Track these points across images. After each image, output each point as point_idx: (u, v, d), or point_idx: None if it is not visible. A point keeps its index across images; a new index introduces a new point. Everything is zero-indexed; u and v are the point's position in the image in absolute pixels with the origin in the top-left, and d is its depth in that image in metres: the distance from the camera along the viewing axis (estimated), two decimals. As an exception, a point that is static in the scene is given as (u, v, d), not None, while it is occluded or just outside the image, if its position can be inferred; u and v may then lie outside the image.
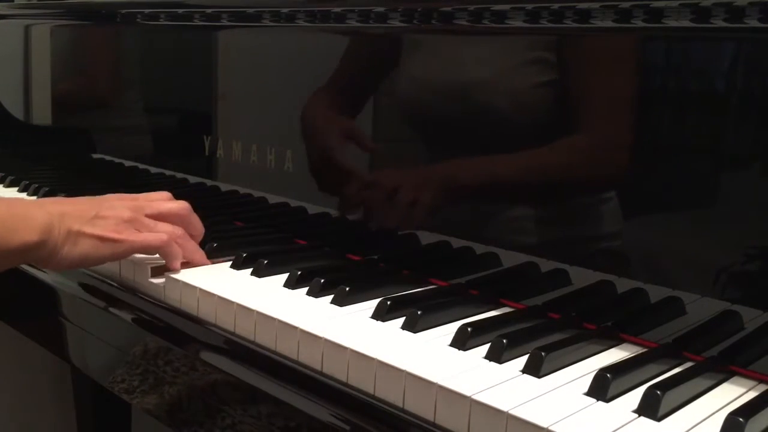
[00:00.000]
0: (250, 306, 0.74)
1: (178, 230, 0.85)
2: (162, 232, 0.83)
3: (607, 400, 0.59)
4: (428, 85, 0.89)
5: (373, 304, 0.75)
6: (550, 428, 0.54)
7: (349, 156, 0.96)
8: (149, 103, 1.30)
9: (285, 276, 0.83)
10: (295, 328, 0.70)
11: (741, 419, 0.54)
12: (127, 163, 1.30)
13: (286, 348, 0.71)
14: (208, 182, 1.14)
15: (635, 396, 0.58)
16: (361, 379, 0.65)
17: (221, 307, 0.77)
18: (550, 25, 0.76)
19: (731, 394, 0.62)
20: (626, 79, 0.74)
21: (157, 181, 1.23)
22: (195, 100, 1.18)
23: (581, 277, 0.77)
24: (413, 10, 0.86)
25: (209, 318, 0.78)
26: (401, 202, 0.89)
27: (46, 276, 0.98)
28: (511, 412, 0.56)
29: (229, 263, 0.89)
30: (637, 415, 0.57)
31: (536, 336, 0.68)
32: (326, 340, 0.67)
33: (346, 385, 0.66)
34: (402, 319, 0.72)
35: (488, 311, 0.77)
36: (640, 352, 0.68)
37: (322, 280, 0.80)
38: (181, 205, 0.88)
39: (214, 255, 0.89)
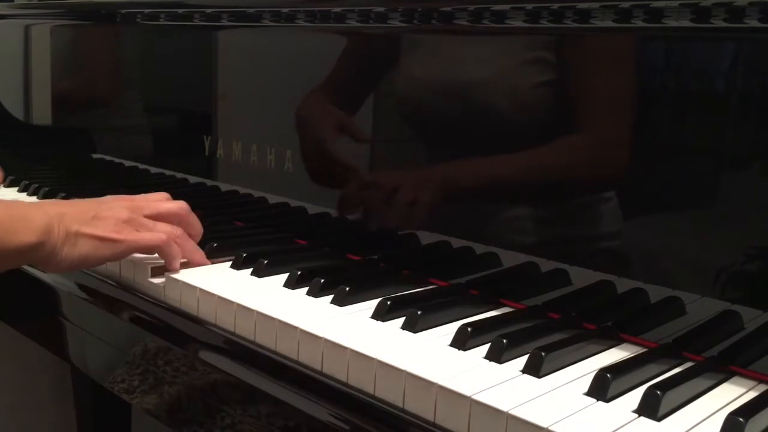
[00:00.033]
0: (250, 306, 0.74)
1: (177, 230, 0.85)
2: (161, 232, 0.83)
3: (607, 400, 0.59)
4: (428, 85, 0.89)
5: (373, 304, 0.75)
6: (550, 428, 0.54)
7: (343, 149, 0.96)
8: (149, 103, 1.30)
9: (285, 276, 0.83)
10: (295, 328, 0.70)
11: (741, 419, 0.54)
12: (127, 163, 1.30)
13: (286, 348, 0.71)
14: (208, 182, 1.14)
15: (635, 396, 0.58)
16: (361, 379, 0.65)
17: (221, 307, 0.77)
18: (550, 25, 0.76)
19: (731, 394, 0.62)
20: (626, 79, 0.74)
21: (157, 181, 1.23)
22: (195, 100, 1.18)
23: (581, 277, 0.77)
24: (413, 10, 0.86)
25: (209, 318, 0.78)
26: (401, 202, 0.89)
27: (46, 276, 0.98)
28: (511, 412, 0.56)
29: (229, 263, 0.89)
30: (637, 415, 0.57)
31: (536, 336, 0.68)
32: (326, 340, 0.67)
33: (346, 385, 0.66)
34: (402, 319, 0.72)
35: (488, 311, 0.77)
36: (640, 352, 0.68)
37: (322, 280, 0.80)
38: (180, 205, 0.88)
39: (214, 255, 0.89)
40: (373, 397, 0.63)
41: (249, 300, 0.75)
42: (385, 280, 0.84)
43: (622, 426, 0.55)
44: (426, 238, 0.88)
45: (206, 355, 0.77)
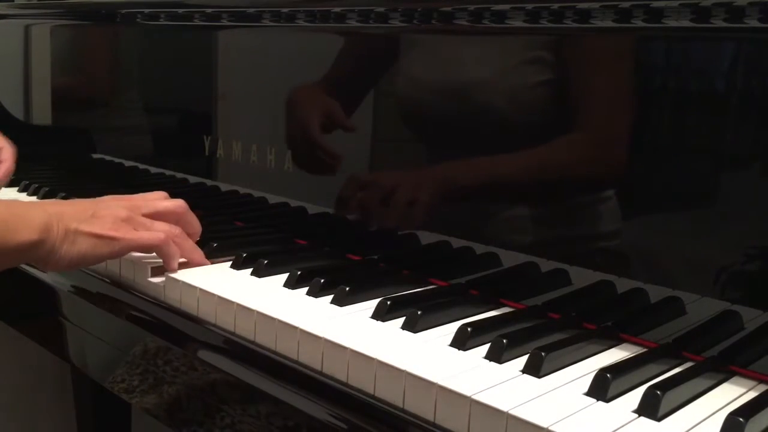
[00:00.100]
0: (250, 306, 0.74)
1: (175, 229, 0.85)
2: (159, 232, 0.83)
3: (607, 400, 0.59)
4: (429, 85, 0.89)
5: (373, 304, 0.75)
6: (550, 428, 0.54)
7: (328, 136, 0.97)
8: (149, 103, 1.30)
9: (285, 276, 0.83)
10: (295, 328, 0.70)
11: (741, 419, 0.54)
12: (127, 163, 1.30)
13: (286, 348, 0.71)
14: (208, 182, 1.14)
15: (635, 396, 0.58)
16: (361, 379, 0.65)
17: (221, 307, 0.77)
18: (550, 25, 0.76)
19: (731, 394, 0.62)
20: (626, 79, 0.74)
21: (157, 181, 1.23)
22: (195, 100, 1.18)
23: (581, 277, 0.77)
24: (413, 10, 0.86)
25: (209, 318, 0.78)
26: (401, 202, 0.89)
27: (46, 276, 0.98)
28: (511, 412, 0.56)
29: (229, 263, 0.89)
30: (637, 415, 0.57)
31: (536, 336, 0.68)
32: (326, 340, 0.67)
33: (346, 385, 0.66)
34: (402, 319, 0.72)
35: (488, 311, 0.77)
36: (640, 352, 0.68)
37: (322, 280, 0.80)
38: (178, 204, 0.88)
39: (214, 255, 0.89)
40: (373, 397, 0.63)
41: (249, 300, 0.75)
42: (385, 280, 0.84)
43: (622, 426, 0.55)
44: (426, 238, 0.88)
45: (206, 355, 0.77)
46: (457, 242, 0.86)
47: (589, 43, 0.76)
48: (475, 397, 0.58)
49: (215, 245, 0.91)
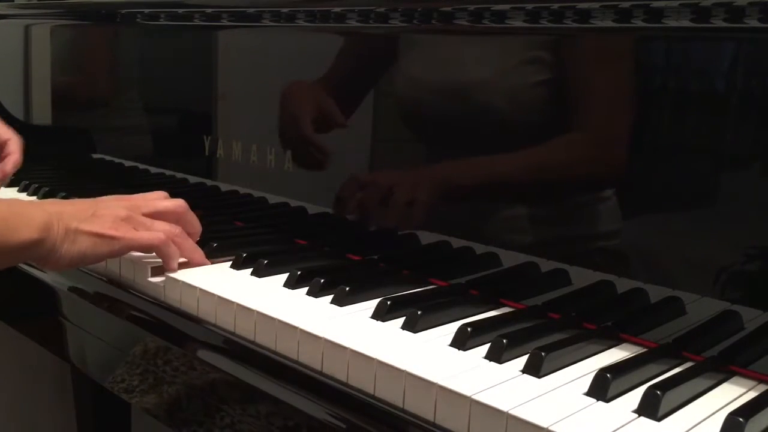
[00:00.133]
0: (250, 306, 0.74)
1: (175, 228, 0.85)
2: (159, 232, 0.84)
3: (607, 400, 0.59)
4: (429, 85, 0.89)
5: (373, 304, 0.75)
6: (550, 428, 0.54)
7: (323, 136, 0.98)
8: (149, 103, 1.30)
9: (285, 276, 0.83)
10: (295, 328, 0.70)
11: (741, 419, 0.54)
12: (127, 163, 1.30)
13: (286, 348, 0.71)
14: (208, 182, 1.14)
15: (635, 396, 0.58)
16: (361, 379, 0.65)
17: (221, 307, 0.77)
18: (550, 25, 0.76)
19: (731, 394, 0.62)
20: (626, 79, 0.74)
21: (157, 181, 1.23)
22: (195, 100, 1.18)
23: (581, 277, 0.77)
24: (413, 10, 0.86)
25: (209, 318, 0.78)
26: (401, 202, 0.89)
27: (46, 276, 0.98)
28: (511, 412, 0.56)
29: (229, 263, 0.89)
30: (637, 415, 0.57)
31: (536, 336, 0.68)
32: (326, 340, 0.67)
33: (346, 385, 0.66)
34: (402, 319, 0.72)
35: (488, 311, 0.77)
36: (640, 352, 0.68)
37: (322, 280, 0.80)
38: (178, 203, 0.88)
39: (214, 255, 0.89)
40: (373, 397, 0.63)
41: (249, 300, 0.75)
42: (385, 280, 0.84)
43: (622, 426, 0.55)
44: (426, 238, 0.88)
45: (206, 355, 0.77)
46: (457, 242, 0.86)
47: (589, 43, 0.76)
48: (475, 397, 0.58)
49: (215, 245, 0.91)
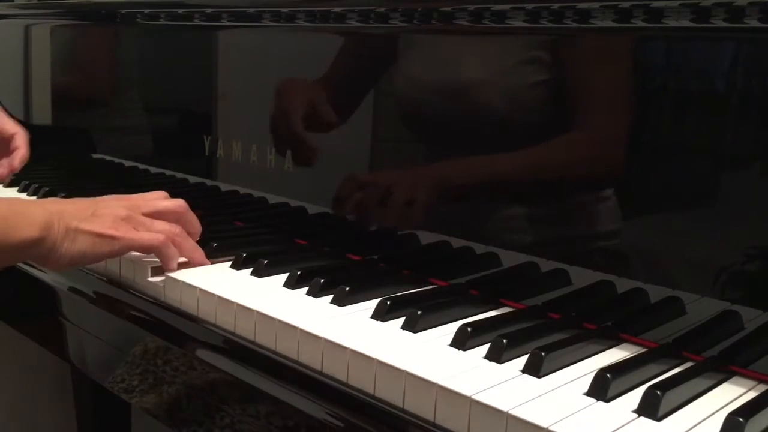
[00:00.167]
0: (250, 306, 0.74)
1: (175, 228, 0.85)
2: (159, 233, 0.84)
3: (607, 400, 0.59)
4: (430, 85, 0.89)
5: (373, 304, 0.75)
6: (550, 428, 0.54)
7: (305, 125, 0.99)
8: (149, 103, 1.30)
9: (285, 276, 0.83)
10: (295, 328, 0.70)
11: (741, 419, 0.54)
12: (127, 163, 1.30)
13: (286, 348, 0.71)
14: (208, 182, 1.14)
15: (635, 396, 0.58)
16: (361, 379, 0.65)
17: (221, 307, 0.77)
18: (550, 25, 0.76)
19: (731, 394, 0.62)
20: (627, 79, 0.74)
21: (157, 181, 1.23)
22: (195, 100, 1.18)
23: (581, 277, 0.77)
24: (413, 10, 0.86)
25: (209, 318, 0.78)
26: (401, 202, 0.89)
27: (46, 276, 0.98)
28: (511, 412, 0.56)
29: (229, 263, 0.89)
30: (637, 415, 0.57)
31: (536, 336, 0.68)
32: (326, 340, 0.67)
33: (346, 385, 0.66)
34: (402, 319, 0.72)
35: (488, 311, 0.77)
36: (640, 352, 0.68)
37: (322, 280, 0.80)
38: (178, 203, 0.89)
39: (214, 255, 0.89)
40: (373, 397, 0.63)
41: (249, 300, 0.75)
42: (385, 280, 0.84)
43: (622, 426, 0.55)
44: (426, 238, 0.88)
45: (206, 355, 0.77)
46: (457, 242, 0.86)
47: (590, 43, 0.76)
48: (475, 397, 0.58)
49: (215, 245, 0.91)
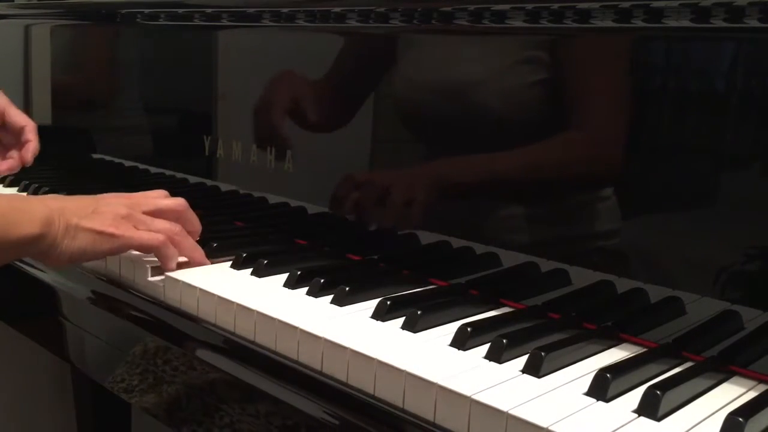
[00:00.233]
0: (250, 306, 0.74)
1: (175, 227, 0.85)
2: (159, 232, 0.84)
3: (607, 400, 0.59)
4: (430, 85, 0.89)
5: (373, 304, 0.75)
6: (550, 428, 0.54)
7: (290, 126, 1.00)
8: (149, 103, 1.30)
9: (285, 276, 0.83)
10: (295, 328, 0.70)
11: (741, 419, 0.54)
12: (127, 163, 1.30)
13: (285, 348, 0.71)
14: (208, 182, 1.14)
15: (635, 396, 0.58)
16: (360, 379, 0.65)
17: (221, 307, 0.77)
18: (550, 25, 0.76)
19: (731, 394, 0.62)
20: (627, 79, 0.74)
21: (157, 181, 1.23)
22: (195, 100, 1.18)
23: (581, 277, 0.77)
24: (413, 10, 0.86)
25: (209, 318, 0.78)
26: (401, 202, 0.89)
27: (46, 276, 0.98)
28: (511, 412, 0.56)
29: (229, 263, 0.89)
30: (637, 415, 0.57)
31: (536, 336, 0.68)
32: (326, 340, 0.67)
33: (345, 384, 0.66)
34: (402, 319, 0.72)
35: (488, 311, 0.77)
36: (640, 352, 0.68)
37: (322, 280, 0.80)
38: (178, 202, 0.89)
39: (214, 255, 0.89)
40: (372, 397, 0.63)
41: (249, 300, 0.75)
42: (385, 280, 0.84)
43: (622, 426, 0.55)
44: (426, 238, 0.88)
45: (206, 355, 0.77)
46: (457, 242, 0.86)
47: (590, 43, 0.76)
48: (475, 397, 0.58)
49: (215, 245, 0.91)
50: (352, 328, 0.71)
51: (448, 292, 0.82)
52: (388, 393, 0.63)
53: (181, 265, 0.85)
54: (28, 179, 1.29)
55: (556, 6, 0.75)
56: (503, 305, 0.78)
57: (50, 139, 1.47)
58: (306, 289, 0.80)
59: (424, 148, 0.91)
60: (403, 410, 0.61)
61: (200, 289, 0.79)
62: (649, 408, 0.57)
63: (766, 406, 0.57)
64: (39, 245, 0.78)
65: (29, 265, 1.00)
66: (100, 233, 0.81)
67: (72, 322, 0.96)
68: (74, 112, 1.46)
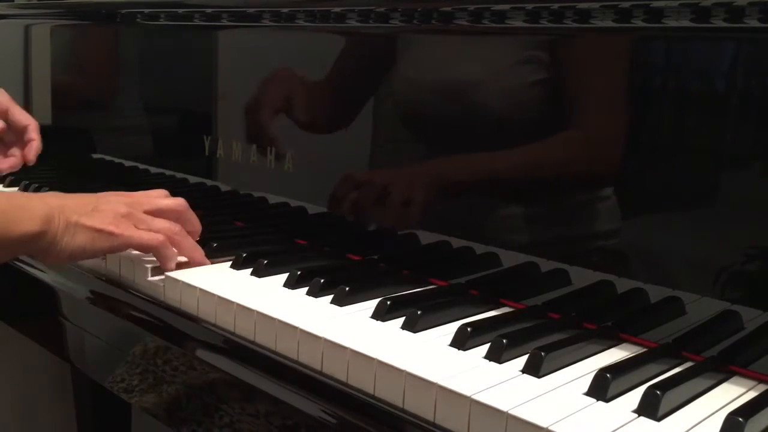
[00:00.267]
0: (250, 306, 0.74)
1: (175, 227, 0.86)
2: (159, 231, 0.84)
3: (607, 400, 0.59)
4: (430, 85, 0.89)
5: (373, 304, 0.75)
6: (550, 428, 0.54)
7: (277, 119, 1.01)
8: (149, 103, 1.30)
9: (285, 276, 0.83)
10: (295, 328, 0.70)
11: (741, 419, 0.54)
12: (127, 163, 1.30)
13: (285, 348, 0.71)
14: (208, 182, 1.14)
15: (635, 396, 0.58)
16: (360, 379, 0.65)
17: (221, 307, 0.77)
18: (550, 25, 0.76)
19: (731, 394, 0.62)
20: (627, 79, 0.74)
21: (157, 181, 1.23)
22: (195, 100, 1.18)
23: (581, 277, 0.77)
24: (413, 10, 0.86)
25: (209, 318, 0.78)
26: (401, 202, 0.89)
27: (46, 276, 0.98)
28: (510, 412, 0.56)
29: (229, 263, 0.89)
30: (637, 415, 0.57)
31: (536, 336, 0.68)
32: (326, 340, 0.67)
33: (345, 384, 0.66)
34: (402, 319, 0.72)
35: (488, 311, 0.77)
36: (640, 352, 0.68)
37: (322, 280, 0.80)
38: (178, 202, 0.89)
39: (214, 255, 0.89)
40: (372, 396, 0.63)
41: (249, 300, 0.75)
42: (385, 280, 0.84)
43: (622, 426, 0.55)
44: (426, 238, 0.88)
45: (206, 355, 0.77)
46: (457, 242, 0.86)
47: (590, 43, 0.76)
48: (474, 397, 0.58)
49: (215, 245, 0.91)
50: (352, 328, 0.71)
51: (448, 292, 0.82)
52: (388, 393, 0.63)
53: (181, 265, 0.85)
54: (28, 179, 1.29)
55: (556, 6, 0.75)
56: (503, 305, 0.78)
57: (50, 139, 1.47)
58: (306, 289, 0.80)
59: (424, 148, 0.91)
60: (403, 410, 0.61)
61: (200, 289, 0.79)
62: (649, 408, 0.57)
63: (766, 406, 0.57)
64: (39, 242, 0.78)
65: (29, 264, 1.00)
66: (100, 231, 0.81)
67: (72, 322, 0.96)
68: (74, 112, 1.46)
